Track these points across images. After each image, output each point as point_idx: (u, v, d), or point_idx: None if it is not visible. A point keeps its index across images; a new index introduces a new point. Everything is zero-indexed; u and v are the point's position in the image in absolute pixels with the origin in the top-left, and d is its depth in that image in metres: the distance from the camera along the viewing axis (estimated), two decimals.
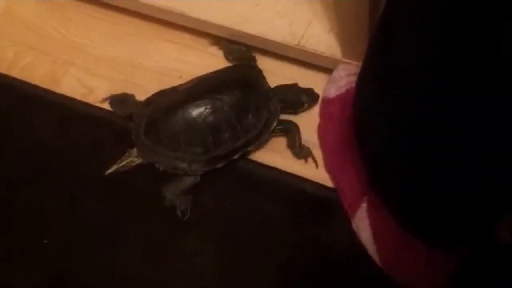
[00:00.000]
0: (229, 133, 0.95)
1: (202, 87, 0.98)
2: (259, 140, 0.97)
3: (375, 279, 0.88)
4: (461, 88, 0.59)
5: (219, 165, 0.97)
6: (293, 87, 1.01)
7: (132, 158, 0.98)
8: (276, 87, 1.00)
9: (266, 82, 0.99)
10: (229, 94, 0.95)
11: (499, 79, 0.55)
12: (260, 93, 0.97)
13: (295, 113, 1.00)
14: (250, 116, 0.96)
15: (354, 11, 0.86)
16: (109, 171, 0.98)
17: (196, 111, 0.95)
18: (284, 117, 0.99)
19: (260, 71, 1.01)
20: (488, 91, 0.57)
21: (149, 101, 1.00)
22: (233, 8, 1.00)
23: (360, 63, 0.84)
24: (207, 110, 0.95)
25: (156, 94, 1.01)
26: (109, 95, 1.04)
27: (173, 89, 1.00)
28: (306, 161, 0.97)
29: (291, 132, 0.98)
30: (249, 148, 0.97)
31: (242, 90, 0.96)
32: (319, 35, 0.97)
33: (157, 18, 1.08)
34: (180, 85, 1.01)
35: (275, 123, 0.97)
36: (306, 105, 1.00)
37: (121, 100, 1.03)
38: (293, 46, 0.98)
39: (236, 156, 0.96)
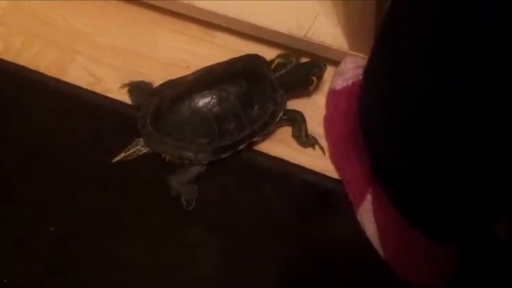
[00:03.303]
0: (235, 124, 0.95)
1: (209, 78, 0.98)
2: (265, 130, 0.97)
3: (379, 271, 0.88)
4: (463, 83, 0.59)
5: (225, 155, 0.97)
6: (296, 68, 1.00)
7: (139, 147, 0.98)
8: (281, 74, 0.99)
9: (272, 73, 0.99)
10: (235, 85, 0.96)
11: (500, 74, 0.56)
12: (266, 83, 0.97)
13: (308, 91, 1.00)
14: (256, 107, 0.96)
15: (362, 4, 0.86)
16: (116, 159, 0.99)
17: (202, 102, 0.95)
18: (298, 97, 1.00)
19: (267, 62, 1.01)
20: (490, 86, 0.57)
21: (157, 90, 1.01)
22: None
23: (367, 56, 0.84)
24: (213, 101, 0.95)
25: (164, 84, 1.01)
26: (127, 82, 1.05)
27: (181, 79, 1.01)
28: (314, 148, 0.98)
29: (297, 122, 0.98)
30: (255, 139, 0.97)
31: (248, 81, 0.96)
32: (326, 27, 0.97)
33: (165, 9, 1.08)
34: (187, 76, 1.01)
35: (281, 114, 0.97)
36: (315, 79, 0.99)
37: (138, 88, 1.04)
38: (300, 38, 0.98)
39: (241, 147, 0.97)
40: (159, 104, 0.98)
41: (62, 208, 0.98)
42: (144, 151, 0.98)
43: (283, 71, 1.00)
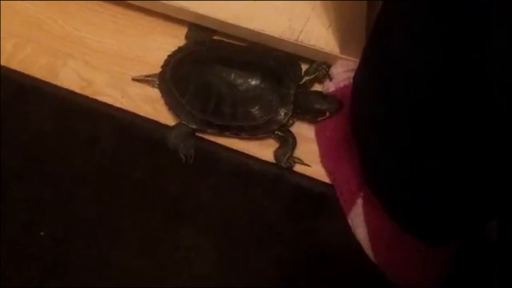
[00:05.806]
0: (229, 111, 0.96)
1: (240, 59, 0.99)
2: (254, 132, 0.98)
3: (369, 275, 0.88)
4: (454, 88, 0.59)
5: (210, 131, 0.99)
6: (318, 97, 0.97)
7: (156, 80, 1.03)
8: (301, 93, 0.98)
9: (294, 88, 0.97)
10: (254, 79, 0.96)
11: (491, 78, 0.55)
12: (280, 93, 0.96)
13: (315, 119, 0.98)
14: (256, 107, 0.96)
15: (353, 7, 0.85)
16: (136, 76, 1.05)
17: (216, 75, 0.97)
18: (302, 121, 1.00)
19: (300, 74, 0.99)
20: (482, 91, 0.57)
21: (204, 42, 1.05)
22: (233, 3, 1.00)
23: (358, 60, 0.84)
24: (225, 80, 0.96)
25: (220, 42, 1.05)
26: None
27: (229, 46, 1.04)
28: (290, 171, 0.97)
29: (286, 144, 0.97)
30: (242, 134, 0.98)
31: (266, 82, 0.96)
32: (318, 30, 0.97)
33: (156, 12, 1.08)
34: (234, 45, 1.04)
35: (275, 127, 0.97)
36: (328, 113, 0.96)
37: (197, 28, 1.06)
38: (292, 42, 0.98)
39: (227, 133, 0.99)
40: (191, 54, 1.02)
41: (57, 211, 0.99)
42: (157, 87, 1.03)
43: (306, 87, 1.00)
